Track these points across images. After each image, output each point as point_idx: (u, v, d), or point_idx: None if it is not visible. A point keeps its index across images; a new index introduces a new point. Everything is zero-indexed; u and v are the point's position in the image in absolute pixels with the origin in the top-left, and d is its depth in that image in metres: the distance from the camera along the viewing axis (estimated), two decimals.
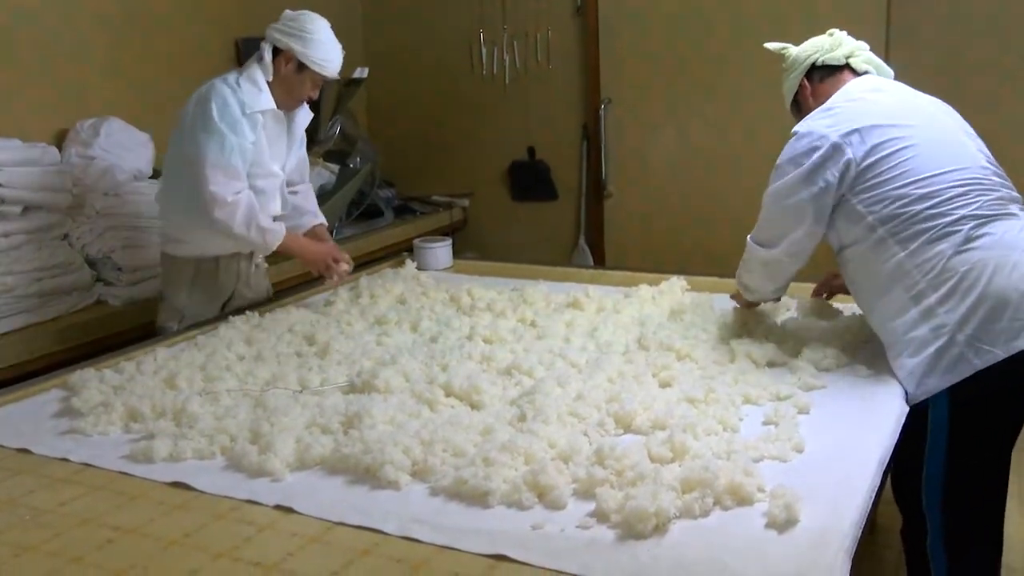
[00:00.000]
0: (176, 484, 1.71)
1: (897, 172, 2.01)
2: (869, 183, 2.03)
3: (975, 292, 1.92)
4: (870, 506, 1.57)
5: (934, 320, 1.96)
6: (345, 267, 2.87)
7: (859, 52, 2.27)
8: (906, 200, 1.99)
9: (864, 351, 2.23)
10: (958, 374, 1.92)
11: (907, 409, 1.96)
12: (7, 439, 1.95)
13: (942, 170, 2.00)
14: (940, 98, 2.23)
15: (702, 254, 4.39)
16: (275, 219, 2.87)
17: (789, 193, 2.11)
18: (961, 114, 2.21)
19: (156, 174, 3.65)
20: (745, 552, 1.40)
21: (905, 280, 2.00)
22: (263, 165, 2.79)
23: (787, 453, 1.72)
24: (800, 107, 2.30)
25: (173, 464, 1.80)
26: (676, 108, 4.59)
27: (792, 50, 2.32)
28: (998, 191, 2.03)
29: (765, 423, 1.88)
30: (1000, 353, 1.89)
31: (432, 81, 5.10)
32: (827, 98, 2.19)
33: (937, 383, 1.95)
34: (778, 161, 2.15)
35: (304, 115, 2.97)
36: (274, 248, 2.80)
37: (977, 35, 3.91)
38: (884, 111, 2.10)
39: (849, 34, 2.32)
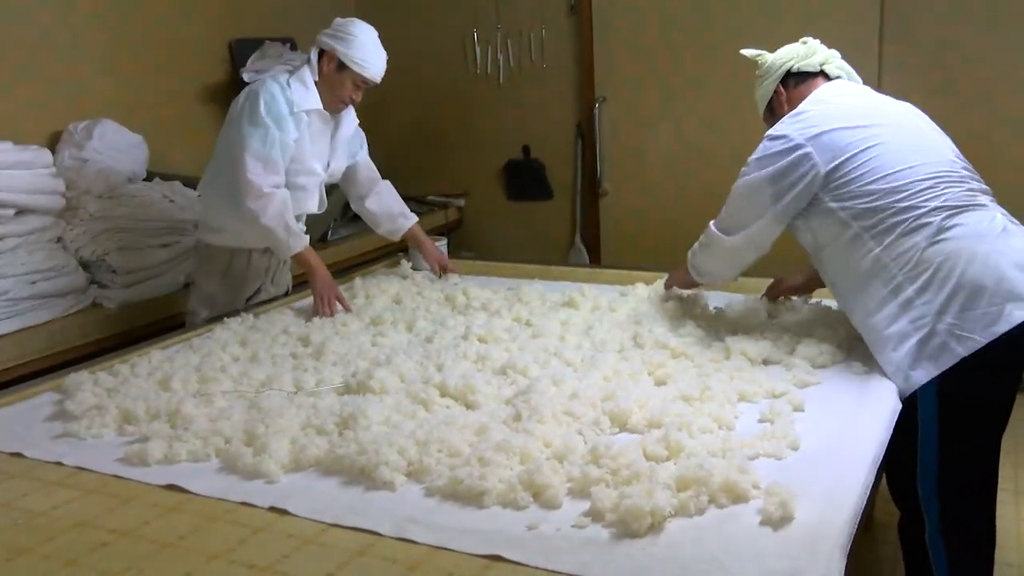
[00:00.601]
0: (170, 486, 1.71)
1: (866, 169, 2.07)
2: (840, 181, 2.09)
3: (951, 281, 1.96)
4: (865, 502, 1.57)
5: (913, 311, 2.00)
6: (339, 309, 2.80)
7: (832, 59, 2.33)
8: (877, 195, 2.05)
9: (859, 348, 2.23)
10: (943, 363, 1.96)
11: (900, 406, 1.96)
12: (0, 443, 1.94)
13: (910, 164, 2.06)
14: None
15: None
16: (307, 218, 3.04)
17: (754, 190, 2.20)
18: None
19: (150, 176, 3.65)
20: (741, 550, 1.39)
21: (882, 274, 2.05)
22: (304, 162, 2.88)
23: (782, 450, 1.72)
24: (774, 112, 2.34)
25: (167, 466, 1.79)
26: (671, 105, 4.59)
27: (767, 57, 2.36)
28: (967, 183, 2.08)
29: (760, 420, 1.88)
30: (980, 339, 1.92)
31: (426, 80, 5.09)
32: (800, 103, 2.25)
33: (923, 374, 1.98)
34: (750, 158, 2.22)
35: (349, 119, 3.05)
36: (295, 251, 2.83)
37: (970, 29, 3.91)
38: (851, 112, 2.16)
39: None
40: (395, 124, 5.24)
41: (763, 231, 2.23)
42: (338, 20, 2.87)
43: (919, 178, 2.04)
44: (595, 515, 1.51)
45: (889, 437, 1.84)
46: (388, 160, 5.07)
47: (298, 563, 1.43)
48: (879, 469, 1.72)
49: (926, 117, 2.24)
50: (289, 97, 2.78)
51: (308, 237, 2.89)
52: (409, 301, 2.89)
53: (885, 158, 2.07)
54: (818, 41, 2.36)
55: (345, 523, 1.54)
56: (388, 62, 2.89)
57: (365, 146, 3.22)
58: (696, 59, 4.45)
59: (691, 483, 1.55)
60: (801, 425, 1.83)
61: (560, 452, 1.70)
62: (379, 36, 2.88)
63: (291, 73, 2.84)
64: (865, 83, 2.39)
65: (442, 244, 3.49)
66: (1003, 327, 1.92)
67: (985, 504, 2.08)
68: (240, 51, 4.28)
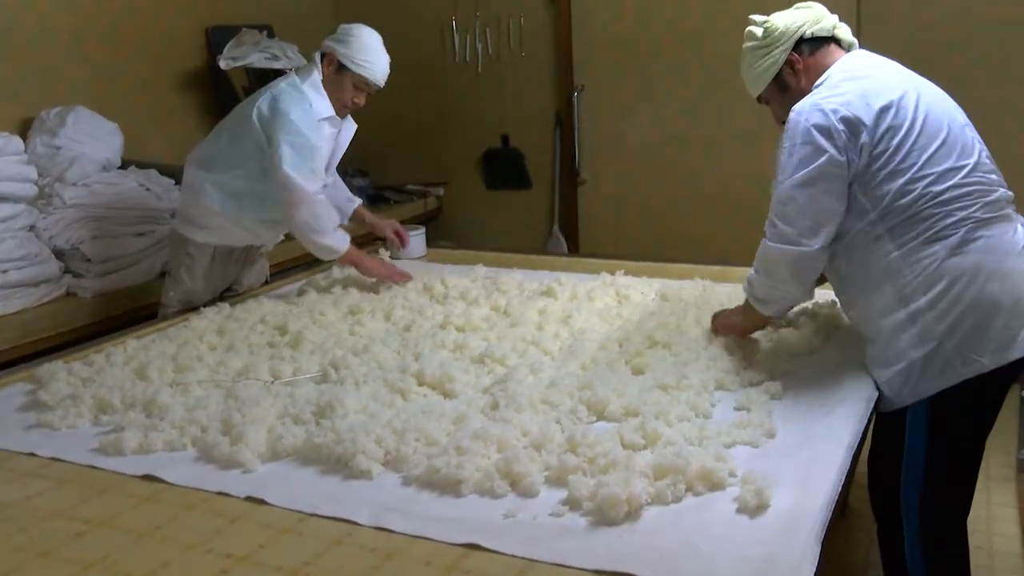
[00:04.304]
0: (146, 476, 1.70)
1: (906, 164, 1.88)
2: (877, 172, 1.89)
3: (966, 298, 1.84)
4: (840, 489, 1.58)
5: (921, 325, 1.88)
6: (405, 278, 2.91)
7: (841, 24, 2.10)
8: (911, 196, 1.87)
9: (835, 336, 2.25)
10: (942, 383, 1.87)
11: (876, 394, 1.96)
12: None
13: (949, 166, 1.88)
14: None
15: (676, 240, 4.40)
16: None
17: (820, 177, 1.89)
18: None
19: (125, 164, 3.61)
20: (717, 537, 1.41)
21: (895, 279, 1.91)
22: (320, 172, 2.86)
23: (759, 438, 1.73)
24: (786, 85, 2.07)
25: (143, 456, 1.78)
26: (649, 93, 4.59)
27: (777, 22, 2.07)
28: (996, 191, 1.93)
29: (737, 409, 1.89)
30: (988, 363, 1.83)
31: (405, 68, 5.01)
32: (820, 73, 2.02)
33: (919, 391, 1.90)
34: (791, 143, 1.93)
35: (349, 127, 3.03)
36: (342, 252, 2.85)
37: (946, 18, 3.94)
38: (891, 90, 1.92)
39: None
40: (373, 112, 5.16)
41: (836, 223, 1.95)
42: (342, 25, 2.85)
43: (956, 183, 1.87)
44: (572, 503, 1.51)
45: (864, 426, 1.85)
46: (367, 149, 5.05)
47: (275, 552, 1.43)
48: (853, 456, 1.74)
49: (952, 100, 2.03)
50: (313, 105, 2.76)
51: (348, 237, 2.89)
52: (387, 290, 2.88)
53: (927, 154, 1.88)
54: (819, 4, 2.12)
55: (322, 512, 1.53)
56: None
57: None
58: (673, 48, 4.45)
59: (668, 471, 1.55)
60: (777, 413, 1.84)
61: (537, 441, 1.70)
62: (350, 22, 2.84)
63: (300, 79, 2.80)
64: None
65: (420, 232, 3.49)
66: (1015, 354, 1.84)
67: (963, 514, 2.02)
68: (217, 38, 4.24)
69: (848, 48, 2.08)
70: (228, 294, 3.06)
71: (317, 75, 2.80)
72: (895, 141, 1.88)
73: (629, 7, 4.55)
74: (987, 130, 1.91)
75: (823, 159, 1.88)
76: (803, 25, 2.04)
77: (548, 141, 4.90)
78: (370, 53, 2.78)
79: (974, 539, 2.10)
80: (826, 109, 1.90)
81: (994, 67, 3.87)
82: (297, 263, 3.65)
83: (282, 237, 3.16)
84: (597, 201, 4.85)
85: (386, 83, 2.88)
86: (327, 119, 2.81)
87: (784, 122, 2.03)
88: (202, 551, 1.44)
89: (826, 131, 1.88)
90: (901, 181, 1.88)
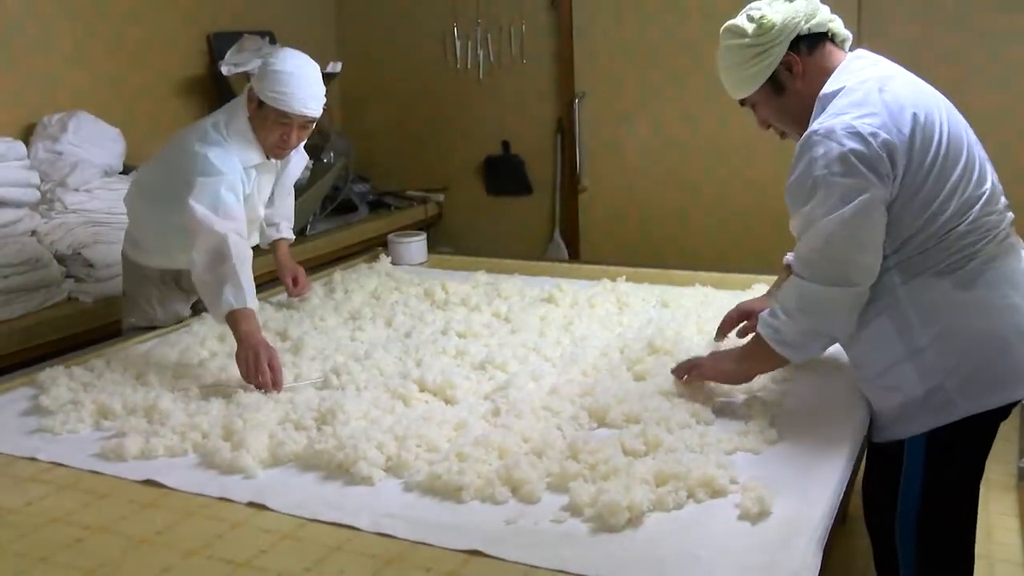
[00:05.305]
0: (147, 482, 1.69)
1: (931, 196, 1.72)
2: (904, 203, 1.72)
3: (972, 336, 1.74)
4: (841, 497, 1.58)
5: (922, 364, 1.76)
6: (270, 385, 2.08)
7: (834, 16, 1.89)
8: (930, 231, 1.73)
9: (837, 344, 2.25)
10: (940, 419, 1.77)
11: None
12: None
13: (968, 195, 1.74)
14: None
15: (677, 246, 4.41)
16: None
17: (868, 210, 1.68)
18: None
19: (127, 169, 3.62)
20: (718, 544, 1.41)
21: (892, 311, 1.77)
22: (250, 214, 2.53)
23: (759, 446, 1.73)
24: (782, 87, 1.85)
25: (144, 462, 1.78)
26: (650, 100, 4.60)
27: (771, 16, 1.82)
28: (1005, 218, 1.81)
29: (738, 416, 1.88)
30: (993, 403, 1.76)
31: (406, 75, 5.08)
32: (823, 75, 1.82)
33: (915, 427, 1.81)
34: (826, 171, 1.68)
35: (299, 160, 2.81)
36: (232, 309, 2.21)
37: (945, 27, 3.96)
38: (917, 106, 1.74)
39: None
40: (375, 119, 5.22)
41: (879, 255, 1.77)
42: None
43: (972, 216, 1.73)
44: (573, 510, 1.51)
45: (864, 434, 1.85)
46: (368, 155, 5.09)
47: (276, 558, 1.42)
48: (854, 464, 1.74)
49: (955, 109, 1.86)
50: (235, 156, 2.43)
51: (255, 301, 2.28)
52: (388, 296, 2.88)
53: (948, 183, 1.72)
54: None
55: (323, 518, 1.53)
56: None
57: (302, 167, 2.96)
58: (675, 55, 4.46)
59: (669, 478, 1.56)
60: (778, 421, 1.84)
61: (539, 447, 1.70)
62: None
63: (226, 122, 2.48)
64: None
65: (421, 239, 3.49)
66: (1019, 394, 1.76)
67: (964, 546, 1.94)
68: (218, 44, 4.25)
69: (843, 45, 1.89)
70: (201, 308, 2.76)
71: (243, 114, 2.48)
72: (924, 168, 1.71)
73: (630, 15, 4.56)
74: (986, 138, 1.89)
75: (871, 192, 1.67)
76: (798, 19, 1.81)
77: (549, 148, 4.90)
78: (287, 83, 2.38)
79: (991, 547, 2.08)
80: (864, 132, 1.67)
81: (990, 78, 3.88)
82: None
83: None
84: (598, 208, 4.86)
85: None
86: (256, 167, 2.51)
87: (770, 126, 1.93)
88: (203, 557, 1.44)
89: (868, 159, 1.66)
90: (925, 216, 1.72)
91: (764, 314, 1.86)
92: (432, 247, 3.58)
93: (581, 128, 4.79)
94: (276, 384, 2.07)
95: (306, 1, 4.98)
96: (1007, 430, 2.04)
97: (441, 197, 5.15)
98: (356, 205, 4.69)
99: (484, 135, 5.04)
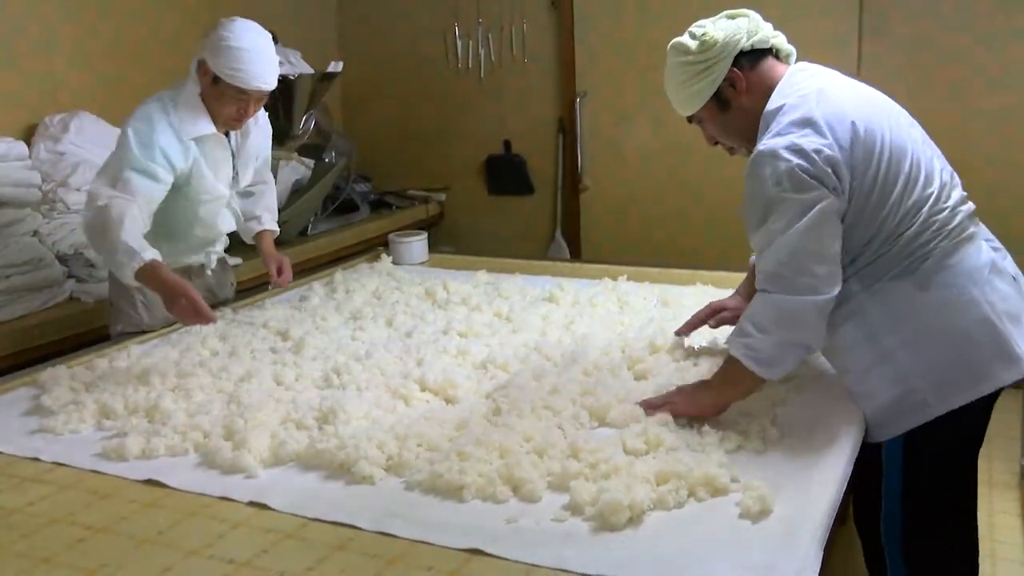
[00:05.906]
0: (149, 481, 1.70)
1: (879, 205, 1.76)
2: (855, 214, 1.77)
3: (937, 335, 1.78)
4: (842, 496, 1.58)
5: (891, 366, 1.80)
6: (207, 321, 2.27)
7: (776, 32, 1.93)
8: (881, 237, 1.79)
9: None
10: (915, 420, 1.81)
11: None
12: None
13: (916, 198, 1.78)
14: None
15: (678, 246, 4.41)
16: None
17: (824, 220, 1.72)
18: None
19: None
20: (719, 543, 1.41)
21: (857, 318, 1.82)
22: (206, 188, 2.58)
23: (760, 445, 1.73)
24: (727, 104, 1.90)
25: (146, 461, 1.78)
26: (651, 100, 4.57)
27: (713, 33, 1.86)
28: (959, 212, 1.83)
29: (739, 414, 1.88)
30: (962, 399, 1.78)
31: (407, 75, 5.08)
32: (766, 90, 1.85)
33: (891, 430, 1.85)
34: (777, 189, 1.73)
35: (258, 132, 2.74)
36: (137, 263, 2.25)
37: (948, 27, 3.95)
38: (857, 117, 1.77)
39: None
40: (376, 118, 5.22)
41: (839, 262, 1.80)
42: (220, 22, 2.47)
43: (923, 218, 1.78)
44: (574, 509, 1.51)
45: (864, 432, 1.85)
46: (369, 155, 5.09)
47: (277, 558, 1.42)
48: (855, 464, 1.74)
49: (906, 113, 1.91)
50: (174, 123, 2.44)
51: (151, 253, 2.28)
52: (389, 296, 2.88)
53: (894, 191, 1.77)
54: (753, 11, 1.93)
55: (325, 518, 1.53)
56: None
57: (269, 140, 2.88)
58: None
59: (670, 477, 1.56)
60: (780, 419, 1.84)
61: (540, 447, 1.70)
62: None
63: (174, 95, 2.49)
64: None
65: (422, 239, 3.49)
66: (988, 388, 1.79)
67: (957, 552, 1.95)
68: None
69: (787, 60, 1.93)
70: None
71: (194, 87, 2.49)
72: (868, 178, 1.75)
73: (631, 14, 4.56)
74: (987, 138, 1.89)
75: (824, 203, 1.71)
76: (738, 36, 1.85)
77: (550, 147, 4.91)
78: (242, 59, 2.39)
79: (995, 546, 2.07)
80: (808, 149, 1.71)
81: (991, 77, 3.88)
82: (296, 269, 3.64)
83: (222, 255, 2.91)
84: (599, 207, 4.86)
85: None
86: (202, 139, 2.50)
87: (718, 143, 1.99)
88: (204, 556, 1.44)
89: (815, 174, 1.71)
90: (876, 223, 1.77)
91: (732, 336, 1.82)
92: (433, 247, 3.58)
93: (582, 128, 4.79)
94: (211, 318, 2.26)
95: (307, 1, 4.98)
96: (1008, 428, 2.04)
97: (442, 197, 5.15)
98: (357, 205, 4.69)
99: (485, 135, 5.04)
